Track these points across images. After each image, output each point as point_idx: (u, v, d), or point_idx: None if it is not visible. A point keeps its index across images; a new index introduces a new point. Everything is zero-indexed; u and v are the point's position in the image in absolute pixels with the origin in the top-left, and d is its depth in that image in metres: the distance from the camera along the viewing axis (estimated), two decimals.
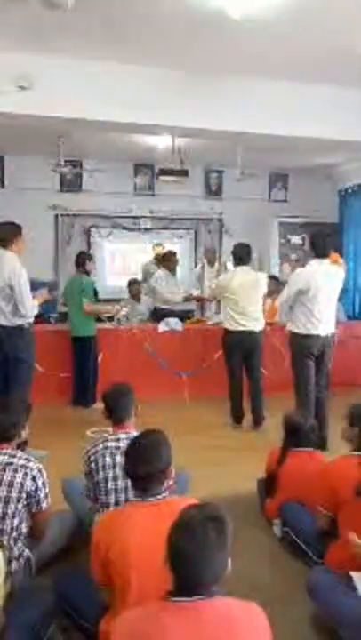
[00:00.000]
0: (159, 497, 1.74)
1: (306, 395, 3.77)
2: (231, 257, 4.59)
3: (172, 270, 5.96)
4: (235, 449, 4.02)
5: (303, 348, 3.76)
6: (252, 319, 4.37)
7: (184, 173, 6.26)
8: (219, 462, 3.66)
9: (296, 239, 4.11)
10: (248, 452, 3.80)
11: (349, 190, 7.10)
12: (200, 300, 6.31)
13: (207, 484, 3.01)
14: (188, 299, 6.00)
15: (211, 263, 6.63)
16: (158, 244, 6.92)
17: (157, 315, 5.75)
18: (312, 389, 3.79)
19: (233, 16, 3.27)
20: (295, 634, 1.96)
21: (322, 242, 3.76)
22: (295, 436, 2.74)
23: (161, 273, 5.95)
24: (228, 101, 4.53)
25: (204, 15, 3.39)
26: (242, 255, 4.44)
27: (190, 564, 1.23)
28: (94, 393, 4.91)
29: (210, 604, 1.25)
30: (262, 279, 4.52)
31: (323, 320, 3.73)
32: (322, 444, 3.70)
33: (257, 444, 3.86)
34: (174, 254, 6.10)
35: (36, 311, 3.80)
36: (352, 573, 1.94)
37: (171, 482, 1.87)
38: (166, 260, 6.00)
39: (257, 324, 4.40)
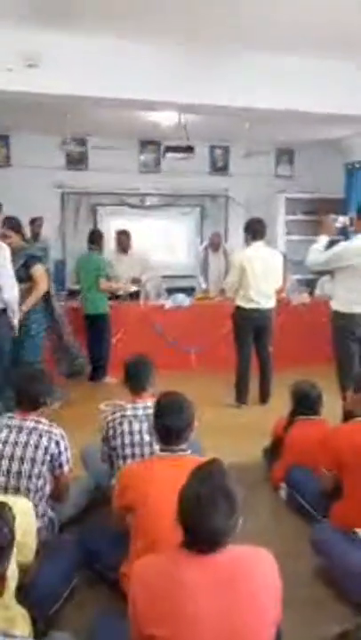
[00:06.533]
0: (183, 453, 1.90)
1: (349, 378, 3.37)
2: (244, 233, 4.48)
3: (124, 251, 5.79)
4: (241, 421, 4.17)
5: (345, 329, 3.49)
6: (265, 296, 4.33)
7: (190, 150, 6.25)
8: (226, 433, 3.78)
9: (341, 219, 3.64)
10: (254, 425, 3.93)
11: (357, 164, 7.06)
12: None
13: (215, 453, 3.12)
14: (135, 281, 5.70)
15: (215, 248, 6.35)
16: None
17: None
18: (357, 372, 3.45)
19: None
20: (299, 584, 2.10)
21: None
22: (303, 403, 2.86)
23: (112, 255, 5.69)
24: (235, 77, 4.51)
25: None
26: (256, 230, 4.33)
27: (201, 511, 1.26)
28: (106, 368, 5.06)
29: (223, 551, 1.31)
30: (277, 256, 4.48)
31: None
32: None
33: (262, 417, 3.98)
34: (122, 233, 5.88)
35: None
36: (357, 530, 2.07)
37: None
38: (117, 241, 5.79)
39: (270, 302, 4.38)
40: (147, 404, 2.41)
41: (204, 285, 6.34)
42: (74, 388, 4.75)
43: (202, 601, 1.25)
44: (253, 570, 1.34)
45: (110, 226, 7.61)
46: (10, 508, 1.24)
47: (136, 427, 2.38)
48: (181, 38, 4.21)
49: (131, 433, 2.38)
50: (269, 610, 1.30)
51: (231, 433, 3.83)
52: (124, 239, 5.84)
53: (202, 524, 1.27)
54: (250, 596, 1.28)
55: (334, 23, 3.86)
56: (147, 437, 2.36)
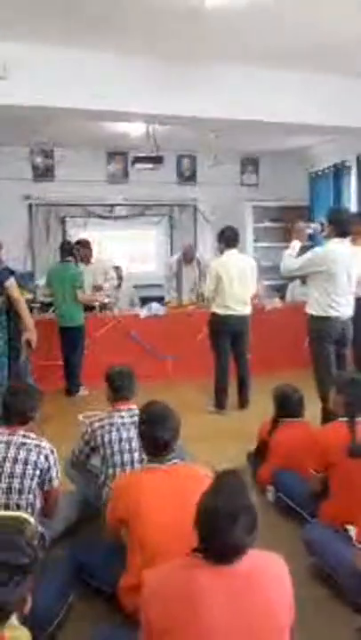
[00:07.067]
0: (171, 462, 1.90)
1: (328, 380, 3.35)
2: (218, 242, 4.55)
3: (84, 261, 5.55)
4: (222, 427, 4.19)
5: (321, 332, 3.57)
6: (241, 303, 4.39)
7: (158, 160, 6.30)
8: (208, 439, 3.79)
9: (312, 226, 3.74)
10: (236, 430, 3.98)
11: (319, 173, 7.28)
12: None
13: (199, 458, 3.14)
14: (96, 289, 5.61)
15: (188, 261, 6.10)
16: None
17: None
18: (336, 373, 3.48)
19: (207, 6, 3.34)
20: (296, 584, 2.10)
21: (345, 220, 3.58)
22: (285, 406, 2.92)
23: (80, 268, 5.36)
24: (202, 88, 4.58)
25: (179, 2, 3.45)
26: (229, 238, 4.42)
27: (220, 525, 1.24)
28: (80, 380, 5.01)
29: (239, 561, 1.28)
30: (252, 262, 4.55)
31: (342, 302, 3.55)
32: None
33: (243, 422, 4.03)
34: (79, 243, 5.61)
35: None
36: (348, 526, 2.12)
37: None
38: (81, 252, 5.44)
39: (246, 308, 4.45)
40: (133, 412, 2.42)
41: (171, 294, 6.19)
42: (50, 403, 4.67)
43: (217, 610, 1.24)
44: (268, 577, 1.34)
45: (80, 237, 7.58)
46: (30, 523, 1.18)
47: (124, 434, 2.39)
48: (152, 51, 4.26)
49: (120, 440, 2.38)
50: (284, 615, 1.30)
51: (213, 438, 3.85)
52: (84, 250, 5.61)
53: (221, 538, 1.25)
54: (265, 604, 1.28)
55: (302, 39, 4.00)
56: (135, 444, 2.35)
